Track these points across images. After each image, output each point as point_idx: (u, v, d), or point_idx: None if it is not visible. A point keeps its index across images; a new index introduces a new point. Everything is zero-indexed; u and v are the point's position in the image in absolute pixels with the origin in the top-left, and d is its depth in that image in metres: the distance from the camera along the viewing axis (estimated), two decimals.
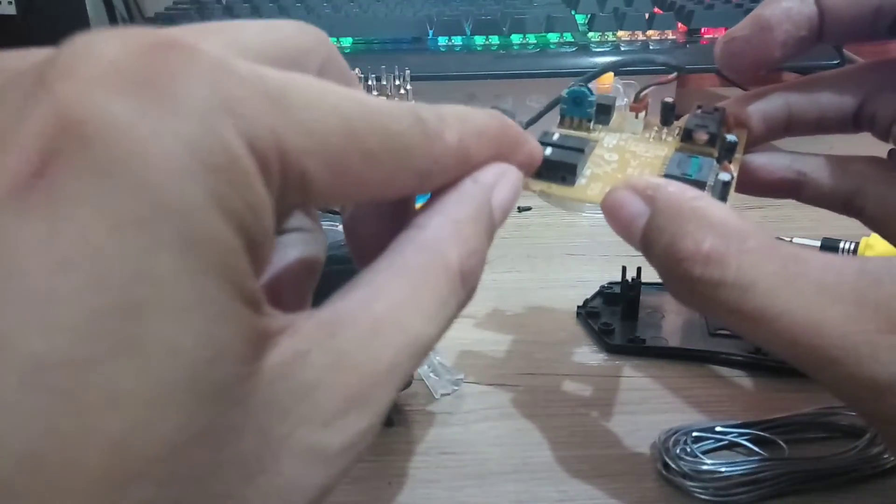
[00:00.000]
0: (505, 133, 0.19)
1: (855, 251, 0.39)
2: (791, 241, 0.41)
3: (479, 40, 0.60)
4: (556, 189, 0.22)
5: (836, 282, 0.17)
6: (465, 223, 0.16)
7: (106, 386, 0.10)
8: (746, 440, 0.25)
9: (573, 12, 0.62)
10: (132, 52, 0.12)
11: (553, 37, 0.60)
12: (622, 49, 0.58)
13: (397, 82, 0.46)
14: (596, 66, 0.55)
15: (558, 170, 0.22)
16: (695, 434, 0.25)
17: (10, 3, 0.59)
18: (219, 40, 0.14)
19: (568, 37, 0.60)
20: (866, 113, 0.24)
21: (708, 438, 0.25)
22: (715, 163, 0.23)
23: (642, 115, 0.25)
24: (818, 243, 0.40)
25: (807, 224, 0.46)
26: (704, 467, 0.24)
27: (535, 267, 0.41)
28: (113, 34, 0.12)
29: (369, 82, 0.46)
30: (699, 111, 0.25)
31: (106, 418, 0.10)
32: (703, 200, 0.19)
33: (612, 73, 0.47)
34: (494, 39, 0.60)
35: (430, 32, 0.60)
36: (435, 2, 0.66)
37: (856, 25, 0.23)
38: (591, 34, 0.60)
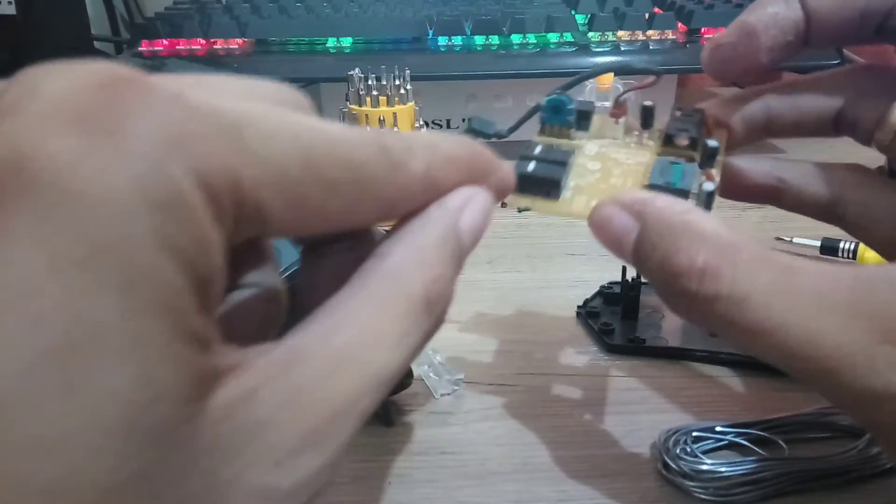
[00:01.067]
0: (475, 160, 0.19)
1: (855, 251, 0.39)
2: (791, 240, 0.41)
3: (479, 40, 0.60)
4: (540, 204, 0.22)
5: (831, 292, 0.17)
6: (430, 249, 0.16)
7: (37, 430, 0.10)
8: (746, 440, 0.25)
9: (573, 12, 0.62)
10: (83, 88, 0.12)
11: (553, 37, 0.60)
12: (622, 49, 0.58)
13: (397, 82, 0.46)
14: (596, 66, 0.55)
15: (542, 185, 0.22)
16: (695, 434, 0.25)
17: (9, 2, 0.59)
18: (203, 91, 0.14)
19: (568, 37, 0.60)
20: (847, 118, 0.24)
21: (708, 438, 0.25)
22: (697, 168, 0.23)
23: (622, 120, 0.25)
24: (818, 243, 0.40)
25: (807, 224, 0.45)
26: (704, 467, 0.24)
27: (535, 267, 0.41)
28: (65, 69, 0.12)
29: (369, 82, 0.46)
30: (679, 114, 0.25)
31: (37, 463, 0.10)
32: (693, 214, 0.19)
33: (612, 74, 0.47)
34: (494, 39, 0.60)
35: (431, 32, 0.60)
36: (435, 2, 0.66)
37: (842, 28, 0.23)
38: (591, 34, 0.60)
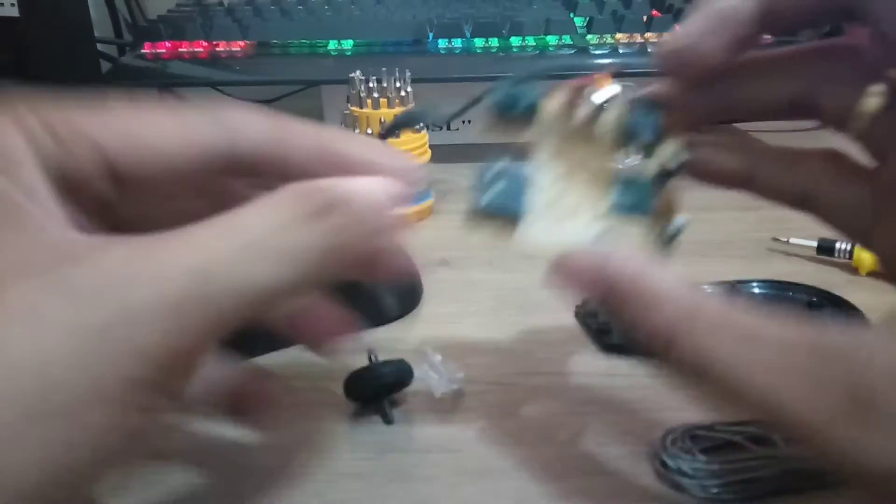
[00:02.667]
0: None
1: (851, 252, 0.39)
2: (788, 241, 0.41)
3: (478, 42, 0.60)
4: (500, 238, 0.22)
5: (790, 366, 0.17)
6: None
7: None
8: (744, 438, 0.25)
9: (572, 15, 0.63)
10: None
11: (552, 39, 0.60)
12: (620, 52, 0.58)
13: (397, 84, 0.46)
14: (595, 67, 0.55)
15: (501, 218, 0.22)
16: (693, 433, 0.25)
17: (12, 4, 0.59)
18: None
19: (567, 39, 0.60)
20: (809, 102, 0.22)
21: (706, 437, 0.25)
22: (658, 185, 0.22)
23: (577, 111, 0.23)
24: (815, 243, 0.40)
25: (804, 224, 0.45)
26: (702, 465, 0.24)
27: (535, 267, 0.41)
28: None
29: (370, 84, 0.46)
30: (634, 105, 0.23)
31: None
32: (648, 274, 0.20)
33: (609, 76, 0.47)
34: (494, 42, 0.60)
35: (431, 35, 0.60)
36: (435, 4, 0.67)
37: (800, 18, 0.22)
38: (589, 37, 0.60)
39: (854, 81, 0.22)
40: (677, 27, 0.22)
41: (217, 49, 0.60)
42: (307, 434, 0.27)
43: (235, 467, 0.25)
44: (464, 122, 0.66)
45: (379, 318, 0.35)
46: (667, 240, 0.22)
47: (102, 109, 0.18)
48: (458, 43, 0.60)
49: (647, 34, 0.60)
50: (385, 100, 0.46)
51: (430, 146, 0.49)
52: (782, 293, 0.36)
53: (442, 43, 0.60)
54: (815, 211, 0.24)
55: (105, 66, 0.73)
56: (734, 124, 0.25)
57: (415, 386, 0.30)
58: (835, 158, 0.23)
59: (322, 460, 0.26)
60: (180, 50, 0.60)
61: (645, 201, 0.21)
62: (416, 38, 0.60)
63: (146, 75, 0.60)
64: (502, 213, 0.21)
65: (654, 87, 0.24)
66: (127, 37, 0.89)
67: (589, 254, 0.21)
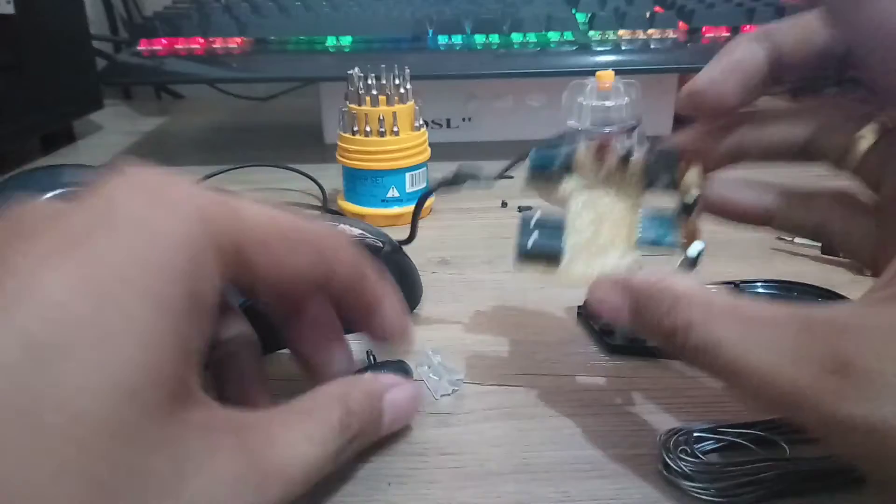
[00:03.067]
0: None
1: None
2: (793, 241, 0.41)
3: (479, 39, 0.60)
4: (544, 273, 0.25)
5: (781, 338, 0.20)
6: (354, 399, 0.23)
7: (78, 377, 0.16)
8: (747, 440, 0.25)
9: (574, 11, 0.62)
10: (148, 178, 0.20)
11: (553, 36, 0.60)
12: (623, 48, 0.58)
13: (397, 81, 0.46)
14: (597, 64, 0.55)
15: (545, 257, 0.25)
16: (695, 434, 0.25)
17: (8, 2, 0.59)
18: None
19: (568, 36, 0.60)
20: (815, 147, 0.26)
21: (709, 438, 0.25)
22: (678, 219, 0.25)
23: (604, 165, 0.27)
24: (819, 243, 0.40)
25: None
26: (705, 468, 0.24)
27: None
28: (137, 169, 0.20)
29: (369, 81, 0.45)
30: (654, 154, 0.26)
31: (78, 401, 0.16)
32: (667, 280, 0.23)
33: (612, 73, 0.47)
34: (495, 38, 0.59)
35: (430, 31, 0.60)
36: (435, 1, 0.66)
37: (804, 70, 0.25)
38: (591, 33, 0.60)
39: (850, 126, 0.25)
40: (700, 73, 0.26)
41: (214, 46, 0.60)
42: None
43: None
44: (464, 119, 0.65)
45: None
46: (687, 264, 0.25)
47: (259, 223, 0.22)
48: (458, 39, 0.60)
49: (650, 30, 0.60)
50: (384, 97, 0.46)
51: (430, 144, 0.48)
52: (787, 293, 0.36)
53: (442, 39, 0.60)
54: (828, 241, 0.27)
55: (101, 63, 0.73)
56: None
57: None
58: (845, 198, 0.26)
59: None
60: (177, 47, 0.60)
61: (667, 234, 0.25)
62: (415, 34, 0.59)
63: (142, 72, 0.59)
64: (545, 255, 0.25)
65: (673, 136, 0.27)
66: (123, 34, 0.89)
67: (616, 276, 0.24)
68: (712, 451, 0.25)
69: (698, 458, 0.24)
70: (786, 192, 0.27)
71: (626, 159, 0.27)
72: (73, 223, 0.18)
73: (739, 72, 0.25)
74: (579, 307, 0.35)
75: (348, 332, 0.27)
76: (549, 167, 0.26)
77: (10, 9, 0.59)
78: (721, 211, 0.28)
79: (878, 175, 0.24)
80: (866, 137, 0.24)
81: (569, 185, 0.27)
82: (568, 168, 0.27)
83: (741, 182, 0.28)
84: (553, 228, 0.25)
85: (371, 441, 0.25)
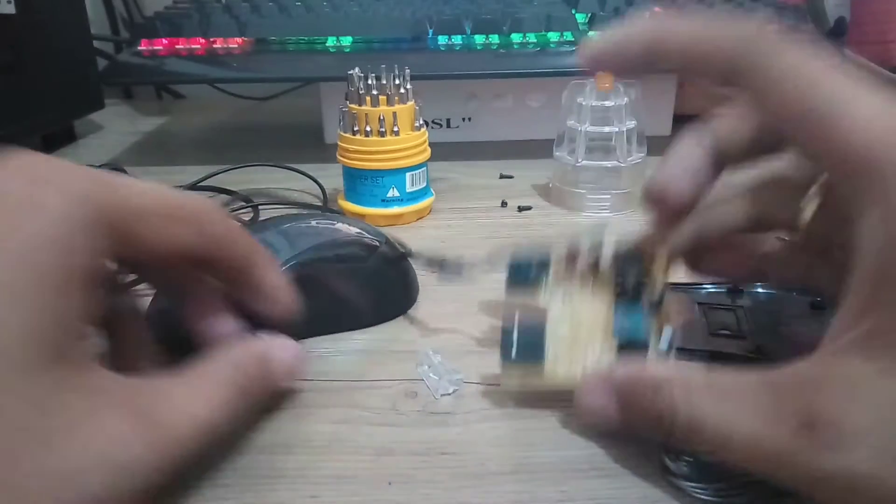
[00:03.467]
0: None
1: None
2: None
3: (479, 39, 0.60)
4: (529, 379, 0.27)
5: (755, 403, 0.21)
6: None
7: None
8: None
9: (573, 11, 0.62)
10: (29, 162, 0.21)
11: (553, 36, 0.60)
12: None
13: (397, 82, 0.46)
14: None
15: (528, 360, 0.26)
16: None
17: (8, 2, 0.59)
18: None
19: (568, 36, 0.60)
20: (768, 220, 0.28)
21: None
22: (650, 312, 0.27)
23: (576, 271, 0.29)
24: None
25: None
26: (705, 468, 0.24)
27: None
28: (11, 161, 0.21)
29: (369, 81, 0.46)
30: (620, 256, 0.28)
31: None
32: (646, 369, 0.25)
33: (611, 74, 0.47)
34: (494, 38, 0.59)
35: (430, 31, 0.60)
36: (435, 1, 0.66)
37: (746, 151, 0.27)
38: (591, 33, 0.60)
39: (795, 195, 0.27)
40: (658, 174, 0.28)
41: (214, 46, 0.60)
42: (305, 436, 0.27)
43: (232, 468, 0.25)
44: (464, 119, 0.65)
45: (356, 320, 0.35)
46: (663, 349, 0.26)
47: (130, 194, 0.23)
48: (458, 40, 0.60)
49: None
50: (384, 97, 0.46)
51: (431, 144, 0.48)
52: (786, 293, 0.36)
53: (442, 40, 0.60)
54: (817, 287, 0.30)
55: (102, 63, 0.73)
56: None
57: (415, 387, 0.29)
58: (826, 251, 0.27)
59: (319, 462, 0.25)
60: (177, 47, 0.60)
61: (641, 325, 0.26)
62: (415, 34, 0.59)
63: (143, 72, 0.59)
64: (530, 360, 0.26)
65: (635, 238, 0.29)
66: (124, 34, 0.89)
67: (598, 375, 0.25)
68: None
69: (697, 458, 0.24)
70: (773, 252, 0.29)
71: (596, 263, 0.29)
72: None
73: (689, 170, 0.27)
74: None
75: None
76: (525, 277, 0.29)
77: (10, 8, 0.59)
78: (715, 273, 0.31)
79: (826, 241, 0.26)
80: (811, 201, 0.26)
81: (545, 291, 0.29)
82: (543, 276, 0.29)
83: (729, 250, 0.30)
84: (534, 332, 0.27)
85: (262, 397, 0.26)
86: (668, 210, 0.28)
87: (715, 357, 0.31)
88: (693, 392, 0.22)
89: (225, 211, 0.26)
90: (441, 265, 0.34)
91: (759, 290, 0.36)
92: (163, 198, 0.24)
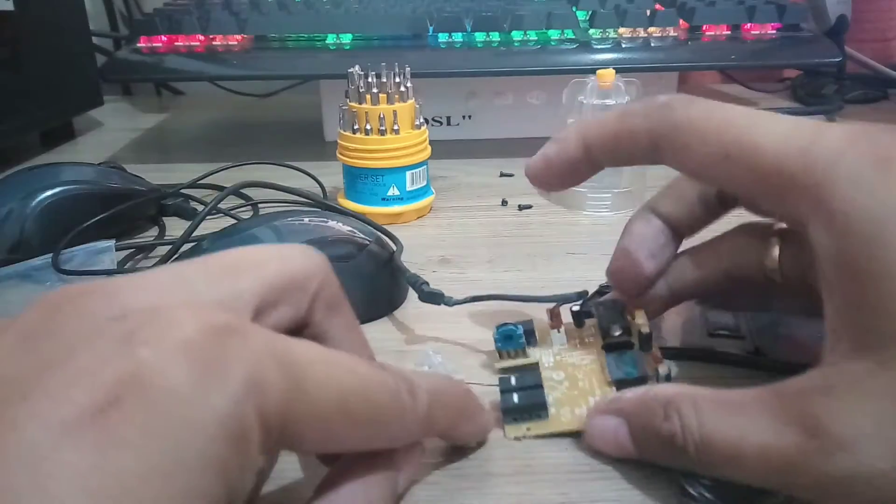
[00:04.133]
0: (465, 405, 0.24)
1: None
2: None
3: (479, 37, 0.59)
4: (535, 427, 0.26)
5: (763, 415, 0.21)
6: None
7: None
8: None
9: (574, 9, 0.62)
10: (200, 331, 0.16)
11: (554, 33, 0.60)
12: (623, 46, 0.58)
13: (397, 79, 0.46)
14: (597, 62, 0.55)
15: (531, 410, 0.26)
16: None
17: None
18: (250, 279, 0.19)
19: (569, 33, 0.60)
20: (738, 271, 0.28)
21: None
22: (640, 352, 0.27)
23: (561, 329, 0.30)
24: None
25: None
26: (725, 492, 0.23)
27: (536, 266, 0.41)
28: (189, 314, 0.16)
29: (369, 79, 0.45)
30: (602, 309, 0.29)
31: None
32: (654, 389, 0.24)
33: (613, 71, 0.47)
34: (495, 36, 0.59)
35: (431, 29, 0.60)
36: None
37: (695, 216, 0.28)
38: (592, 31, 0.60)
39: (759, 242, 0.27)
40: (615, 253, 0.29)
41: (214, 43, 0.60)
42: None
43: None
44: (464, 117, 0.65)
45: None
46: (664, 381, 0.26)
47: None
48: (458, 37, 0.59)
49: (651, 28, 0.60)
50: (384, 95, 0.46)
51: (431, 142, 0.48)
52: None
53: (442, 37, 0.59)
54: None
55: (101, 59, 0.73)
56: None
57: None
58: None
59: (318, 463, 0.25)
60: (177, 44, 0.60)
61: (634, 369, 0.27)
62: (415, 32, 0.59)
63: (142, 69, 0.59)
64: (533, 406, 0.27)
65: (615, 294, 0.30)
66: (123, 30, 0.89)
67: (604, 401, 0.26)
68: None
69: (717, 481, 0.23)
70: (679, 263, 0.29)
71: (580, 321, 0.30)
72: (97, 381, 0.15)
73: (645, 249, 0.28)
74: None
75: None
76: (513, 341, 0.29)
77: (9, 5, 0.59)
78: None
79: (800, 272, 0.26)
80: (775, 246, 0.27)
81: (535, 351, 0.29)
82: (530, 337, 0.29)
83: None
84: (532, 387, 0.27)
85: None
86: (633, 288, 0.29)
87: (713, 357, 0.31)
88: (701, 408, 0.22)
89: (424, 408, 0.21)
90: (420, 290, 0.33)
91: None
92: (353, 393, 0.18)
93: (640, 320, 0.28)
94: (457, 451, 0.25)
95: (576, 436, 0.26)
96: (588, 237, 0.44)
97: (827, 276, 0.21)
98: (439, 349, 0.31)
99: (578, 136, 0.26)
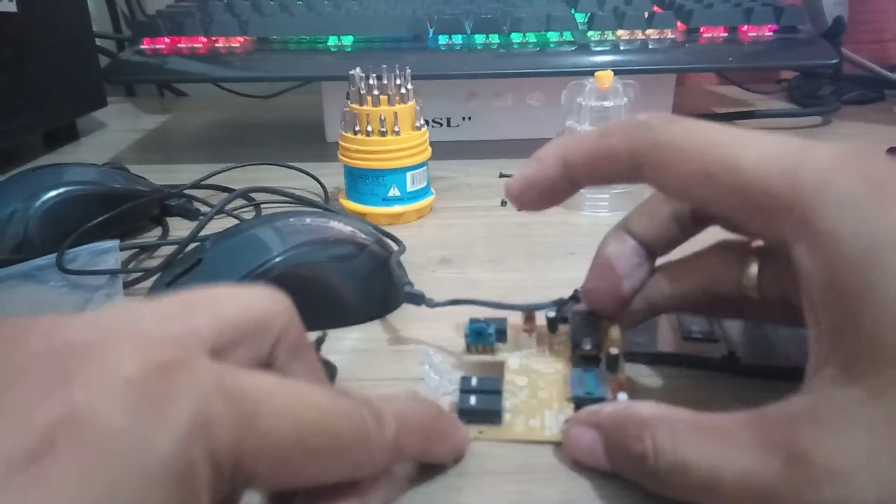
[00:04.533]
0: (436, 426, 0.23)
1: None
2: None
3: (479, 39, 0.60)
4: (488, 432, 0.26)
5: (744, 443, 0.20)
6: None
7: None
8: None
9: (573, 11, 0.62)
10: (142, 368, 0.15)
11: (553, 35, 0.60)
12: (622, 48, 0.58)
13: (398, 81, 0.46)
14: (596, 64, 0.55)
15: (485, 415, 0.27)
16: None
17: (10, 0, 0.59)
18: (206, 316, 0.18)
19: (568, 36, 0.60)
20: (716, 289, 0.28)
21: None
22: (606, 372, 0.27)
23: (534, 333, 0.30)
24: None
25: None
26: None
27: (535, 266, 0.41)
28: (132, 349, 0.15)
29: (370, 81, 0.46)
30: (578, 318, 0.29)
31: None
32: (632, 407, 0.24)
33: (611, 73, 0.47)
34: (494, 38, 0.60)
35: (431, 31, 0.60)
36: (435, 0, 0.66)
37: (668, 236, 0.28)
38: (590, 33, 0.60)
39: (737, 261, 0.27)
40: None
41: (216, 45, 0.60)
42: None
43: None
44: (464, 118, 0.66)
45: (344, 317, 0.35)
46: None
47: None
48: (458, 39, 0.60)
49: (649, 31, 0.60)
50: (385, 97, 0.46)
51: (431, 143, 0.48)
52: None
53: (442, 39, 0.60)
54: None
55: (104, 61, 0.74)
56: None
57: (415, 387, 0.30)
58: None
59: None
60: (179, 46, 0.60)
61: (596, 388, 0.27)
62: (416, 34, 0.60)
63: (145, 71, 0.59)
64: (487, 413, 0.27)
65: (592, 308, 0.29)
66: (126, 32, 0.89)
67: (584, 414, 0.25)
68: None
69: None
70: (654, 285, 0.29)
71: (553, 327, 0.30)
72: (29, 424, 0.13)
73: (617, 268, 0.28)
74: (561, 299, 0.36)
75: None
76: (484, 338, 0.29)
77: (12, 6, 0.60)
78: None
79: (778, 290, 0.26)
80: (753, 264, 0.26)
81: (503, 352, 0.30)
82: (500, 338, 0.30)
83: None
84: (491, 392, 0.27)
85: None
86: (607, 308, 0.29)
87: (681, 361, 0.31)
88: (678, 433, 0.22)
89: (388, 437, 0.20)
90: (404, 290, 0.34)
91: None
92: (310, 426, 0.17)
93: (613, 337, 0.28)
94: (430, 467, 0.25)
95: (527, 444, 0.26)
96: (587, 237, 0.45)
97: (813, 299, 0.20)
98: (439, 349, 0.32)
99: (557, 155, 0.26)
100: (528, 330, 0.30)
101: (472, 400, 0.27)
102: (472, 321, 0.29)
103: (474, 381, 0.28)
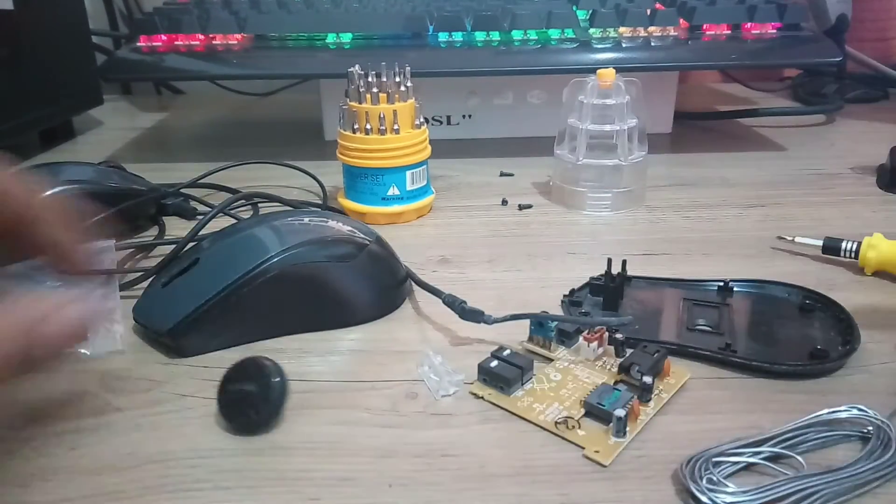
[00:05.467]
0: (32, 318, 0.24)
1: (857, 251, 0.39)
2: (793, 240, 0.41)
3: (479, 36, 0.59)
4: (493, 396, 0.28)
5: None
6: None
7: None
8: (762, 459, 0.25)
9: (574, 8, 0.62)
10: None
11: (554, 33, 0.60)
12: (623, 45, 0.58)
13: (397, 79, 0.46)
14: (598, 62, 0.55)
15: (497, 380, 0.28)
16: (714, 460, 0.24)
17: None
18: None
19: (569, 33, 0.59)
20: None
21: (724, 462, 0.24)
22: (634, 398, 0.27)
23: (595, 345, 0.31)
24: (820, 242, 0.40)
25: (808, 223, 0.45)
26: (731, 499, 0.23)
27: (535, 265, 0.41)
28: None
29: (369, 79, 0.45)
30: (644, 348, 0.29)
31: None
32: None
33: (613, 70, 0.47)
34: (495, 35, 0.59)
35: (431, 28, 0.59)
36: None
37: None
38: (592, 30, 0.60)
39: None
40: None
41: (214, 42, 0.60)
42: (305, 437, 0.27)
43: (233, 470, 0.25)
44: (464, 116, 0.65)
45: (343, 318, 0.35)
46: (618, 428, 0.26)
47: None
48: (458, 36, 0.59)
49: (651, 28, 0.59)
50: (384, 94, 0.45)
51: (431, 142, 0.48)
52: (776, 294, 0.36)
53: (442, 36, 0.59)
54: None
55: (100, 58, 0.73)
56: None
57: (415, 388, 0.29)
58: None
59: (320, 464, 0.25)
60: (176, 43, 0.60)
61: (613, 403, 0.27)
62: (415, 31, 0.59)
63: (142, 68, 0.59)
64: (502, 379, 0.28)
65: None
66: (123, 29, 0.89)
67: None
68: (732, 474, 0.24)
69: (723, 484, 0.23)
70: None
71: (619, 350, 0.31)
72: None
73: None
74: (565, 295, 0.36)
75: None
76: (542, 331, 0.31)
77: (8, 4, 0.59)
78: None
79: None
80: None
81: (559, 351, 0.31)
82: (563, 340, 0.31)
83: None
84: (513, 364, 0.29)
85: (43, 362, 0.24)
86: None
87: (683, 352, 0.31)
88: None
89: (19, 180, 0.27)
90: (461, 310, 0.34)
91: (752, 290, 0.36)
92: None
93: (672, 381, 0.29)
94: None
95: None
96: (588, 237, 0.44)
97: None
98: (439, 349, 0.31)
99: None
100: (588, 339, 0.31)
101: (494, 363, 0.29)
102: (542, 314, 0.31)
103: (506, 352, 0.29)
